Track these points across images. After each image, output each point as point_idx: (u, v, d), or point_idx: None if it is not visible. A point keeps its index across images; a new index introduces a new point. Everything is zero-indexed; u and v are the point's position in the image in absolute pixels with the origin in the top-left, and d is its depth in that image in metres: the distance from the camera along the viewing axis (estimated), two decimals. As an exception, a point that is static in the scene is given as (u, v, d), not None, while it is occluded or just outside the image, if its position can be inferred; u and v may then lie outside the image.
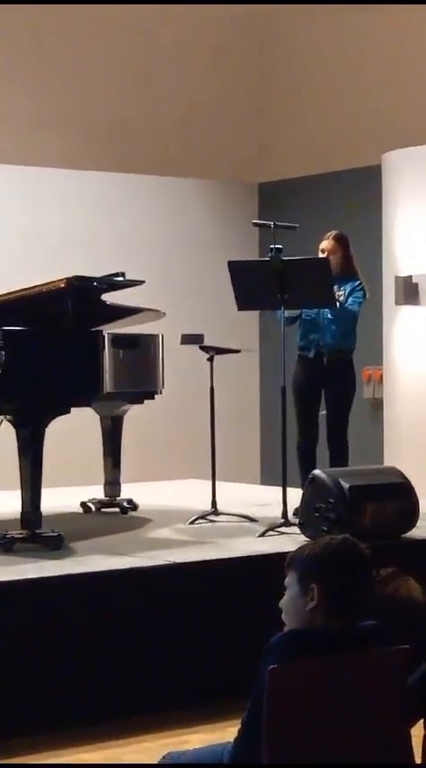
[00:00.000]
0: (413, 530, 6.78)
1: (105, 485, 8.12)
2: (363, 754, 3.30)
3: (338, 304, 7.60)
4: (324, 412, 7.86)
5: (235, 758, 3.33)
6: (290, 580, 3.41)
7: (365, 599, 3.38)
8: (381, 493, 6.70)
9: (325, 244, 7.84)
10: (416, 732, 3.45)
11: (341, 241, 7.85)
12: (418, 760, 3.44)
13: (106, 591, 5.84)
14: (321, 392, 7.83)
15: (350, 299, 7.71)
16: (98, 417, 8.09)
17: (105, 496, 8.08)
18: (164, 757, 3.62)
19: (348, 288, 7.73)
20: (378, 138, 10.70)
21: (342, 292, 7.70)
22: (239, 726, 3.32)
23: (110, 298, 7.16)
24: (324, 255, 7.73)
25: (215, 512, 7.54)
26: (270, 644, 3.27)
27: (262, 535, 6.88)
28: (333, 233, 7.89)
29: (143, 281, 7.26)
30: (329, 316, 7.68)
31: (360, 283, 7.79)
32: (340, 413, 7.83)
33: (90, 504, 8.02)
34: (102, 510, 8.00)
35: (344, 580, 3.34)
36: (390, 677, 3.36)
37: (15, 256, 10.38)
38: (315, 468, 7.19)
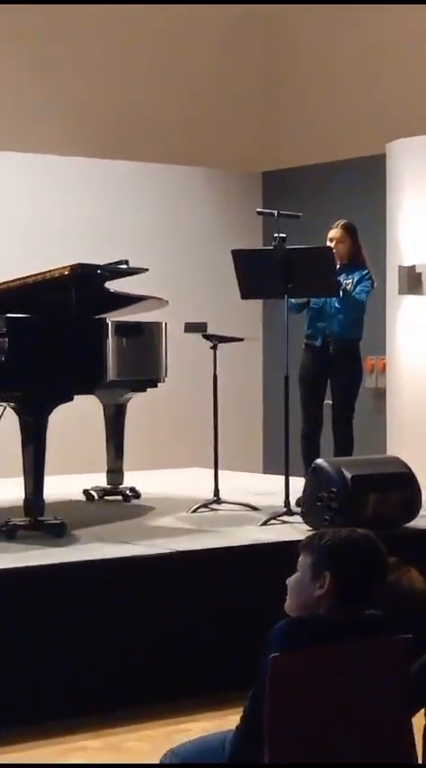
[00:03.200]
0: (416, 519, 6.78)
1: (108, 473, 8.12)
2: (364, 743, 3.30)
3: (345, 292, 7.60)
4: (330, 401, 7.85)
5: (236, 747, 3.34)
6: (303, 562, 3.40)
7: (374, 594, 3.39)
8: (383, 483, 6.70)
9: (334, 232, 7.82)
10: (416, 721, 3.45)
11: (349, 230, 7.83)
12: (419, 749, 3.44)
13: (108, 579, 5.85)
14: (327, 381, 7.82)
15: (358, 288, 7.69)
16: (101, 405, 8.09)
17: (108, 484, 8.08)
18: (165, 754, 3.61)
19: (356, 276, 7.71)
20: (382, 127, 10.68)
21: (350, 281, 7.69)
22: (241, 714, 3.33)
23: (113, 285, 7.15)
24: (332, 244, 7.72)
25: (217, 500, 7.55)
26: (272, 632, 3.27)
27: (265, 524, 6.89)
28: (342, 222, 7.86)
29: (147, 269, 7.26)
30: (336, 305, 7.66)
31: (368, 272, 7.77)
32: (345, 402, 7.81)
33: (92, 492, 8.02)
34: (105, 498, 8.01)
35: (359, 575, 3.35)
36: (392, 666, 3.36)
37: (18, 244, 10.37)
38: (318, 457, 7.18)
